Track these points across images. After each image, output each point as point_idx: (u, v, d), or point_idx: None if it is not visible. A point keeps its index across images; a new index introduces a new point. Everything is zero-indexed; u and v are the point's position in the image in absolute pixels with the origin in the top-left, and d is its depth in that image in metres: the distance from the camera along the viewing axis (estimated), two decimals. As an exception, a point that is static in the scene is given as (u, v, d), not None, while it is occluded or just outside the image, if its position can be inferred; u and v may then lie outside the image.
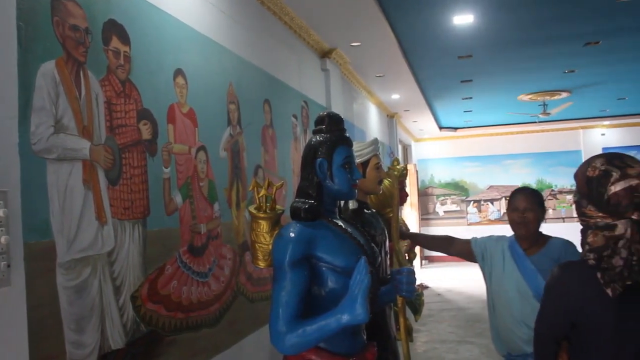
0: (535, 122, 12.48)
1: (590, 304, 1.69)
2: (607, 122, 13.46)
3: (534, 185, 13.97)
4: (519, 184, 14.05)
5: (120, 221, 2.39)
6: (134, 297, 2.44)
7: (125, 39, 2.51)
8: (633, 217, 1.64)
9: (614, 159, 1.72)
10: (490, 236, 3.06)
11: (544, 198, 2.94)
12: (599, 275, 1.65)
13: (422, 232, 13.18)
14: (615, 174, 1.67)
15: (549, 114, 10.55)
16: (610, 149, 13.47)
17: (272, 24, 4.46)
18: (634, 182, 1.64)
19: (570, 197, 13.74)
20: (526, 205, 2.79)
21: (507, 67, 7.75)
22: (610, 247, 1.65)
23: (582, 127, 13.68)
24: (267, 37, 4.33)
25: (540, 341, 1.86)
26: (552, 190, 13.84)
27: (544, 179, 14.08)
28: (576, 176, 1.80)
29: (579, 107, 11.19)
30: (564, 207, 13.79)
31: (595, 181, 1.71)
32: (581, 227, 1.78)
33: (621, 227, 1.65)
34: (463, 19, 5.55)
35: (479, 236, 3.10)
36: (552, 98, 10.04)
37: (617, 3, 5.25)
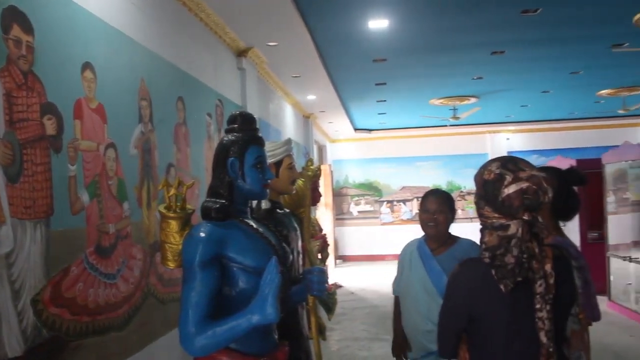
0: (445, 126, 12.92)
1: (485, 299, 1.78)
2: (511, 127, 14.16)
3: (444, 187, 14.48)
4: (430, 185, 14.51)
5: (21, 221, 2.26)
6: (35, 301, 2.32)
7: (27, 28, 2.38)
8: (524, 217, 1.73)
9: (508, 163, 1.81)
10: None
11: (454, 199, 3.07)
12: (493, 272, 1.74)
13: (336, 232, 13.35)
14: (508, 177, 1.76)
15: (458, 118, 10.94)
16: (514, 152, 14.18)
17: (187, 20, 4.38)
18: (524, 184, 1.74)
19: (477, 198, 14.35)
20: (436, 207, 2.89)
21: (420, 72, 7.98)
22: (503, 246, 1.75)
23: (489, 132, 14.32)
24: (181, 33, 4.25)
25: (443, 334, 1.93)
26: (461, 192, 14.40)
27: (453, 181, 14.62)
28: (475, 179, 1.88)
29: (486, 112, 11.68)
30: (471, 207, 14.36)
31: (491, 184, 1.79)
32: (480, 226, 1.87)
33: (513, 227, 1.74)
34: (378, 24, 5.66)
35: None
36: (462, 103, 10.42)
37: (521, 16, 5.54)
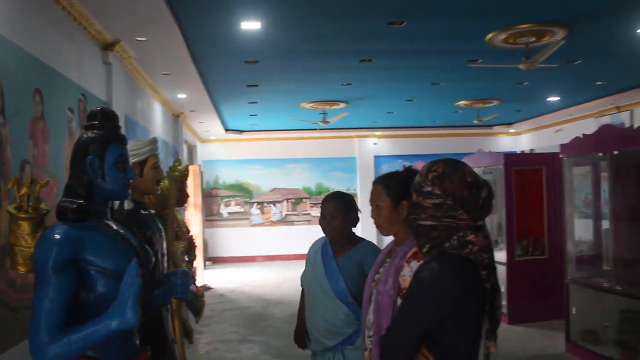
0: (315, 129, 13.18)
1: (467, 299, 1.77)
2: (378, 133, 14.74)
3: (313, 189, 14.79)
4: (300, 187, 14.77)
5: None
6: None
7: None
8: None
9: (466, 166, 1.88)
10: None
11: (353, 202, 3.11)
12: (483, 272, 1.79)
13: (205, 233, 13.15)
14: (480, 180, 1.86)
15: (328, 122, 11.18)
16: (381, 157, 14.81)
17: (47, 7, 4.10)
18: (487, 188, 1.86)
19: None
20: (330, 211, 2.98)
21: (291, 76, 8.07)
22: (489, 246, 1.83)
23: (358, 136, 14.80)
24: (40, 20, 3.97)
25: (405, 339, 1.82)
26: (330, 194, 14.71)
27: (322, 183, 14.95)
28: (440, 182, 1.84)
29: (354, 118, 12.06)
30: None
31: (474, 187, 1.83)
32: (420, 224, 1.86)
33: (486, 227, 1.85)
34: (250, 25, 5.65)
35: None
36: (332, 107, 10.68)
37: (387, 27, 5.80)
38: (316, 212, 14.77)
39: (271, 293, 10.15)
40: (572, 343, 6.01)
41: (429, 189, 1.84)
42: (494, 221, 8.15)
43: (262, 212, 14.82)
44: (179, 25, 5.38)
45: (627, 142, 5.45)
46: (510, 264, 7.40)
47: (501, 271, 7.36)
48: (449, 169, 1.85)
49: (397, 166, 13.93)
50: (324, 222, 3.02)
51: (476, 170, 8.34)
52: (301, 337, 3.20)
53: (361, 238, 3.07)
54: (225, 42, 6.22)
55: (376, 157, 14.89)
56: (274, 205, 14.86)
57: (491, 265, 1.82)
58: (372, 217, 2.34)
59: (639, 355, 5.26)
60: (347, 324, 2.90)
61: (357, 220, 3.06)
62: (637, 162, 5.60)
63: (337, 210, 2.99)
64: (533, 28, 5.93)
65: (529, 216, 7.66)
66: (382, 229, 2.33)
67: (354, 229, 3.08)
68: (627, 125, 9.98)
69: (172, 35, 5.59)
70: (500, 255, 7.54)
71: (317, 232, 3.06)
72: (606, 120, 10.45)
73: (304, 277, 3.21)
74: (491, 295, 1.81)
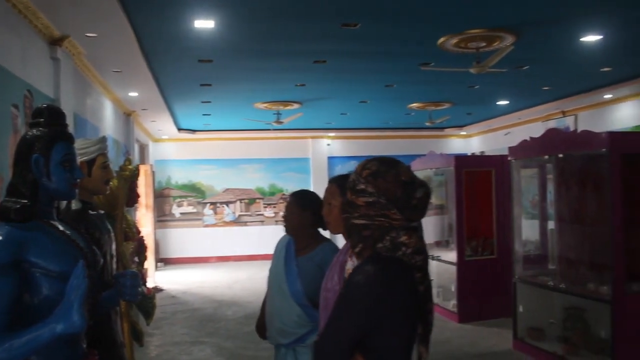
0: (269, 130, 13.14)
1: (402, 303, 1.70)
2: (332, 134, 14.81)
3: (266, 189, 14.75)
4: (253, 187, 14.72)
5: None
6: None
7: None
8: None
9: (403, 165, 1.83)
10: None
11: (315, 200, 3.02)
12: (418, 274, 1.72)
13: (157, 234, 12.94)
14: (417, 181, 1.80)
15: (282, 122, 11.16)
16: (335, 158, 14.90)
17: (-10, 1, 3.96)
18: (424, 189, 1.79)
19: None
20: (288, 207, 2.98)
21: (245, 75, 8.02)
22: (423, 248, 1.76)
23: (312, 137, 14.84)
24: (-17, 14, 3.83)
25: (336, 346, 1.70)
26: (284, 194, 14.72)
27: (276, 184, 14.92)
28: (373, 179, 1.79)
29: (308, 118, 12.07)
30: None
31: (409, 186, 1.77)
32: (354, 223, 1.80)
33: (421, 229, 1.80)
34: (204, 24, 5.59)
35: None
36: (285, 108, 10.67)
37: (341, 29, 5.82)
38: (269, 212, 14.73)
39: (223, 294, 10.06)
40: (519, 340, 6.18)
41: (363, 186, 1.78)
42: (445, 222, 8.30)
43: (215, 213, 14.68)
44: (131, 21, 5.27)
45: (571, 145, 5.64)
46: (460, 263, 7.55)
47: (451, 271, 7.61)
48: (384, 167, 1.80)
49: (351, 167, 13.92)
50: (284, 218, 3.02)
51: (427, 171, 8.49)
52: (262, 328, 3.20)
53: (325, 238, 3.03)
54: (179, 40, 6.14)
55: (330, 158, 14.96)
56: (227, 205, 14.75)
57: (425, 268, 1.76)
58: (324, 214, 2.35)
59: (580, 350, 5.45)
60: (299, 325, 2.89)
61: (316, 219, 2.90)
62: (580, 164, 5.80)
63: (293, 206, 2.99)
64: (483, 33, 6.07)
65: (478, 217, 7.83)
66: (331, 227, 2.34)
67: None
68: (572, 129, 10.34)
69: (123, 32, 5.48)
70: (451, 256, 7.69)
71: (270, 233, 3.07)
72: (552, 124, 10.80)
73: (269, 272, 3.19)
74: (424, 299, 1.75)
